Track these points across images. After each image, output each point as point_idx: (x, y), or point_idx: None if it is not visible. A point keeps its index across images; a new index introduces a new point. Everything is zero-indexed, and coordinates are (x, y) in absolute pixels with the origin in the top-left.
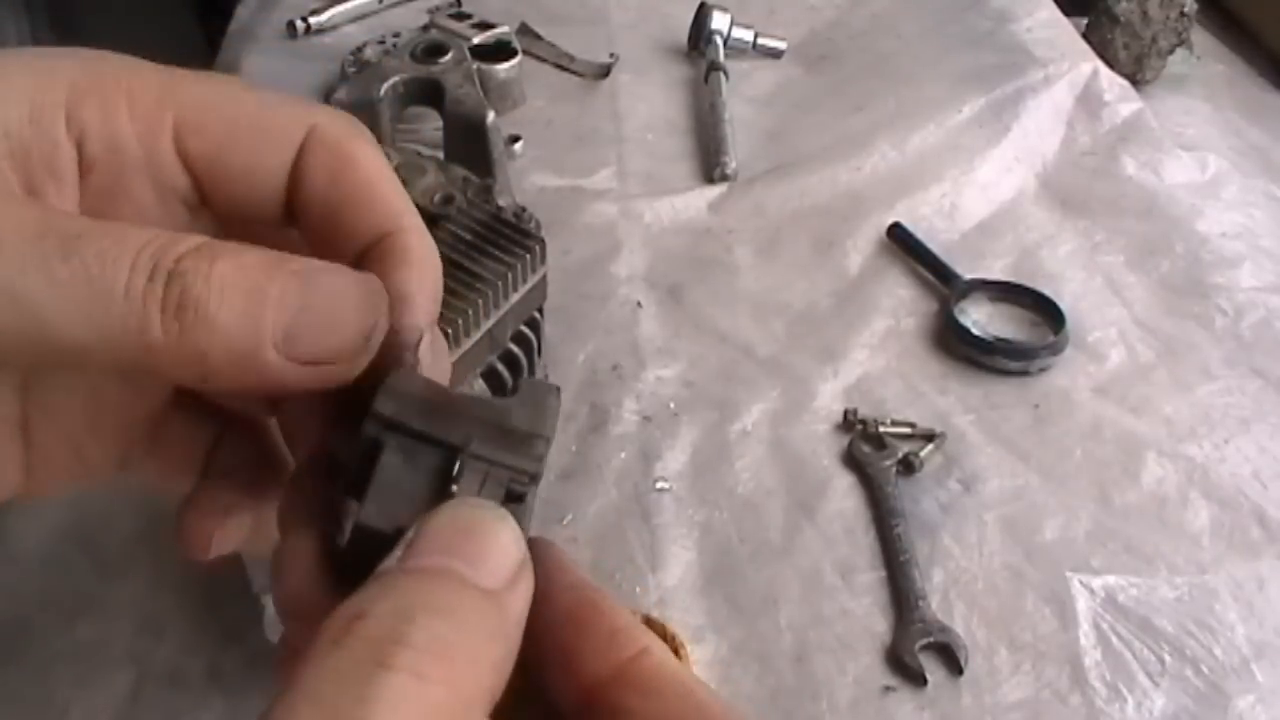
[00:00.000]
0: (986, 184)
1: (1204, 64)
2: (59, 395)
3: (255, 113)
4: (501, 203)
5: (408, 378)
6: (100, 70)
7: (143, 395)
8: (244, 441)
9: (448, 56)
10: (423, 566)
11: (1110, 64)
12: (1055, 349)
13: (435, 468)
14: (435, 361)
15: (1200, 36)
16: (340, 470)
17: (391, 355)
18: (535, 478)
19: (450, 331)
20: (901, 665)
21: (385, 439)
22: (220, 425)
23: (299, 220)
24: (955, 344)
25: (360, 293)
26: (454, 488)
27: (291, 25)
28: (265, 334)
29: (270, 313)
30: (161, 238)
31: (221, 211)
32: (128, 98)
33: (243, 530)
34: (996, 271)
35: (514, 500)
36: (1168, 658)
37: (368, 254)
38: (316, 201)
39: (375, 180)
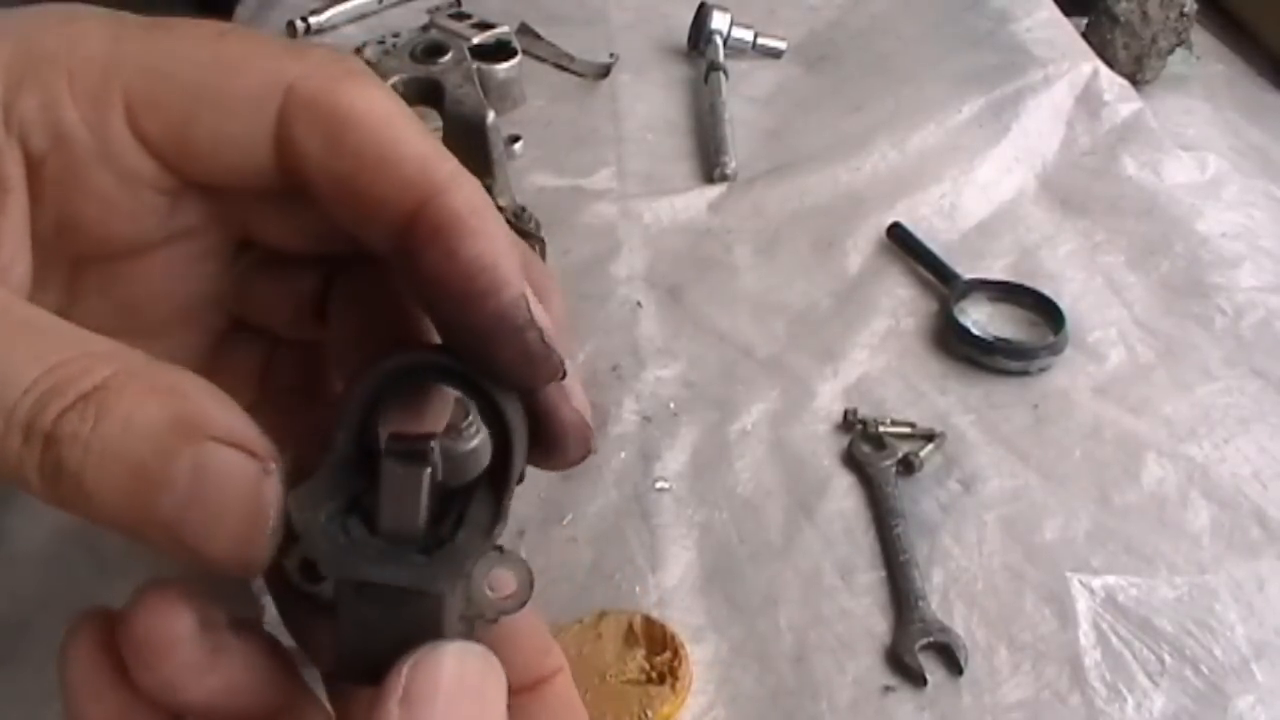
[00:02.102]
0: (986, 184)
1: (1204, 64)
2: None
3: (217, 78)
4: (501, 203)
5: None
6: (35, 46)
7: (198, 330)
8: (296, 361)
9: (448, 56)
10: None
11: (1110, 64)
12: (1055, 349)
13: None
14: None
15: (1200, 36)
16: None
17: (515, 340)
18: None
19: None
20: (901, 665)
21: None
22: (272, 345)
23: (310, 197)
24: (955, 344)
25: (251, 496)
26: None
27: (291, 25)
28: (147, 519)
29: (153, 498)
30: (49, 379)
31: (207, 193)
32: (69, 76)
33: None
34: (996, 271)
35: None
36: (1168, 658)
37: (411, 233)
38: (319, 177)
39: (383, 138)
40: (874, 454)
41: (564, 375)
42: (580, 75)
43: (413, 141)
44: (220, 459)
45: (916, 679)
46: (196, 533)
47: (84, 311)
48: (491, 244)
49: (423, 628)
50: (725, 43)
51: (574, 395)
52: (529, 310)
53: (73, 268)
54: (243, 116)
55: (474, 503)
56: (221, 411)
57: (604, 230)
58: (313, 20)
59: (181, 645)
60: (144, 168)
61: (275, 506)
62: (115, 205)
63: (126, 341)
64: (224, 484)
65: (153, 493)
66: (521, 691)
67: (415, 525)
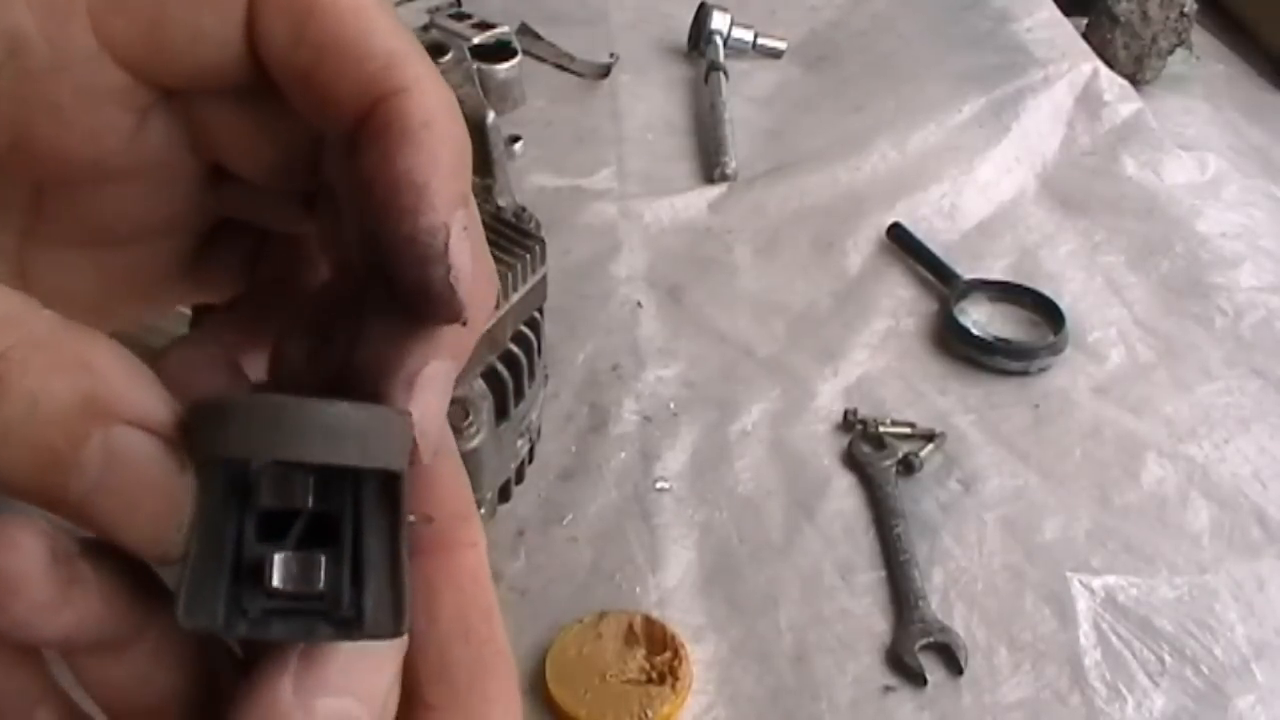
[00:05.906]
0: (986, 184)
1: (1204, 64)
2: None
3: None
4: (501, 203)
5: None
6: None
7: (178, 236)
8: (285, 249)
9: (448, 56)
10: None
11: (1110, 64)
12: (1055, 349)
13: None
14: (472, 259)
15: (1200, 36)
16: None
17: (418, 269)
18: None
19: None
20: (901, 665)
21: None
22: (261, 235)
23: (279, 91)
24: (955, 344)
25: (163, 486)
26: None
27: None
28: (58, 500)
29: (62, 482)
30: None
31: (174, 112)
32: None
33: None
34: (996, 271)
35: None
36: (1168, 658)
37: (361, 134)
38: (283, 70)
39: (348, 29)
40: (874, 454)
41: (465, 323)
42: (580, 75)
43: (382, 34)
44: (131, 445)
45: (916, 679)
46: (109, 520)
47: (52, 232)
48: (431, 161)
49: None
50: (725, 43)
51: (454, 254)
52: (444, 243)
53: (34, 189)
54: (215, 6)
55: (366, 533)
56: (135, 390)
57: (604, 230)
58: None
59: (30, 583)
60: (107, 79)
61: (190, 498)
62: (72, 123)
63: (105, 254)
64: (136, 472)
65: (62, 476)
66: (430, 552)
67: (315, 590)
